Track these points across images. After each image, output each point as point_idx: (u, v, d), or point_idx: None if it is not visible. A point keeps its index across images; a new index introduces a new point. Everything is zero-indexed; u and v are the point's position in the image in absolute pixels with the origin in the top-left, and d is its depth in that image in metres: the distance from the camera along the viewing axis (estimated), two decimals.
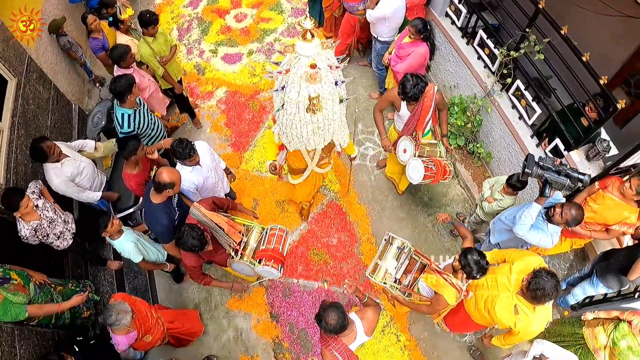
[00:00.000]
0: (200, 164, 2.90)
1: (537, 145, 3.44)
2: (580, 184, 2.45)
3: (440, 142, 3.34)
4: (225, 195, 3.38)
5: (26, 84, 3.65)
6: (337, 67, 2.31)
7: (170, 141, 3.54)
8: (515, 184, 2.97)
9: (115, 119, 3.24)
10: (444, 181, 3.31)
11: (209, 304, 3.62)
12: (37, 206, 2.82)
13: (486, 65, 3.73)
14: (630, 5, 2.75)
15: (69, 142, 3.30)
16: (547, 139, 3.35)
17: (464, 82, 4.07)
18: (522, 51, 3.20)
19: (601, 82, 2.73)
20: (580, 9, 3.32)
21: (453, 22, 4.01)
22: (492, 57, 3.60)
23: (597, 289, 3.17)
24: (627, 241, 3.23)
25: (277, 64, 2.37)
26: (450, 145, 3.98)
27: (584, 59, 2.76)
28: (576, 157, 3.10)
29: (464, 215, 3.93)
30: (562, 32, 2.84)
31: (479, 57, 3.80)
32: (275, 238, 2.80)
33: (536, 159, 2.50)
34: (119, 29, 4.09)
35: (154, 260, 3.14)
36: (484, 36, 3.60)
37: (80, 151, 3.33)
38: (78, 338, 2.97)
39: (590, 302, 3.36)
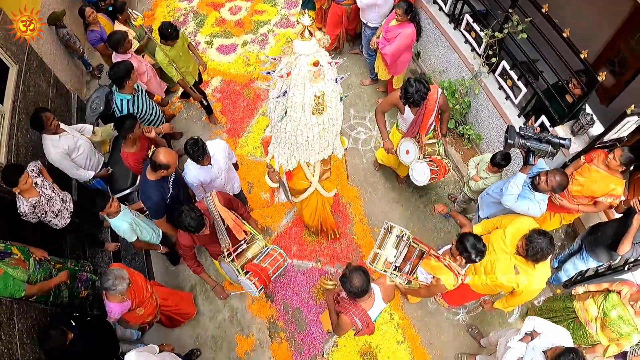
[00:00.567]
0: (211, 164, 2.84)
1: (524, 125, 3.51)
2: (562, 149, 2.51)
3: (440, 141, 3.40)
4: (235, 196, 3.27)
5: (27, 72, 3.74)
6: (336, 63, 2.26)
7: (167, 126, 3.62)
8: (500, 162, 3.05)
9: (114, 104, 3.31)
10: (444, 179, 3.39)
11: (205, 285, 3.66)
12: (36, 184, 2.88)
13: (473, 49, 3.82)
14: None
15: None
16: (533, 117, 3.43)
17: (452, 66, 4.16)
18: (505, 32, 3.29)
19: (582, 56, 2.81)
20: None
21: (440, 9, 4.11)
22: (479, 40, 3.68)
23: (587, 263, 3.21)
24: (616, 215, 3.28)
25: (274, 59, 2.31)
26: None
27: (564, 34, 2.85)
28: (561, 132, 3.17)
29: (455, 196, 3.99)
30: (543, 10, 2.93)
31: (466, 41, 3.89)
32: (271, 259, 2.80)
33: (517, 130, 2.58)
34: (117, 19, 4.20)
35: (147, 240, 3.17)
36: (470, 20, 3.70)
37: None
38: (75, 314, 3.03)
39: (582, 279, 3.39)
